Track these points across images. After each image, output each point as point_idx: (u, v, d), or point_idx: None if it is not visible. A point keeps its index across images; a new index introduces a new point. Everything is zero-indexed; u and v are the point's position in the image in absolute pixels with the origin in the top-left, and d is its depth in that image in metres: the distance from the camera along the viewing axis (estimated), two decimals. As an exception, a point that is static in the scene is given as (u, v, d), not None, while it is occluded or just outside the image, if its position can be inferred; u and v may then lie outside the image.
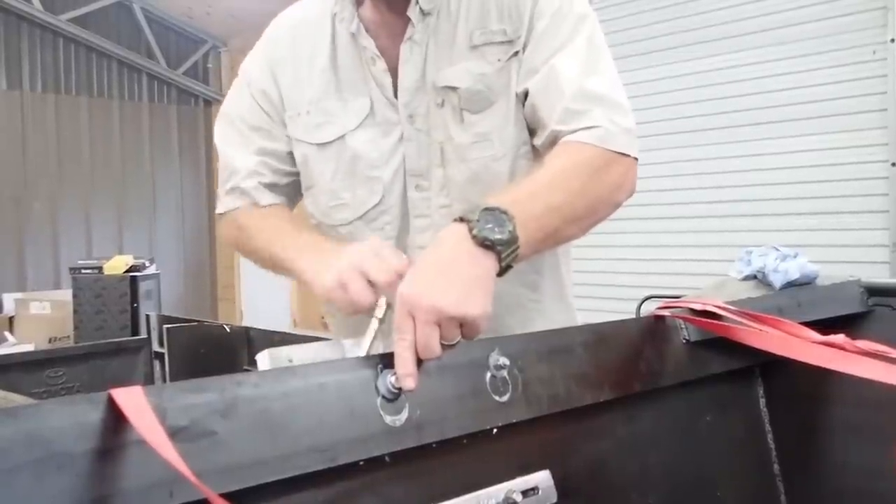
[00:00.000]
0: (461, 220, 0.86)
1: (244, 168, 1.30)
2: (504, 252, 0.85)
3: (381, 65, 1.21)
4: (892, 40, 3.74)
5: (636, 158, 1.12)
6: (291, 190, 1.34)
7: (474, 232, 0.84)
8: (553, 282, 1.33)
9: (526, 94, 1.18)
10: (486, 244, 0.84)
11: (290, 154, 1.31)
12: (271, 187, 1.31)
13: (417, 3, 1.18)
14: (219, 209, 1.34)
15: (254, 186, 1.29)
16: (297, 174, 1.32)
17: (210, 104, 8.66)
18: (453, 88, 1.19)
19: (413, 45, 1.19)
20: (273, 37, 1.33)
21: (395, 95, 1.22)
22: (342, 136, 1.24)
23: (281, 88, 1.29)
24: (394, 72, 1.21)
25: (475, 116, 1.19)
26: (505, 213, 0.87)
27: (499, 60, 1.18)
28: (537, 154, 1.22)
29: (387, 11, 1.20)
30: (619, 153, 1.10)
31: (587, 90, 1.13)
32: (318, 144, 1.26)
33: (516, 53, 1.18)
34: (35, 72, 7.54)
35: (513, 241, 0.86)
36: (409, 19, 1.18)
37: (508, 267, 0.87)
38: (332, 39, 1.26)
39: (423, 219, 1.23)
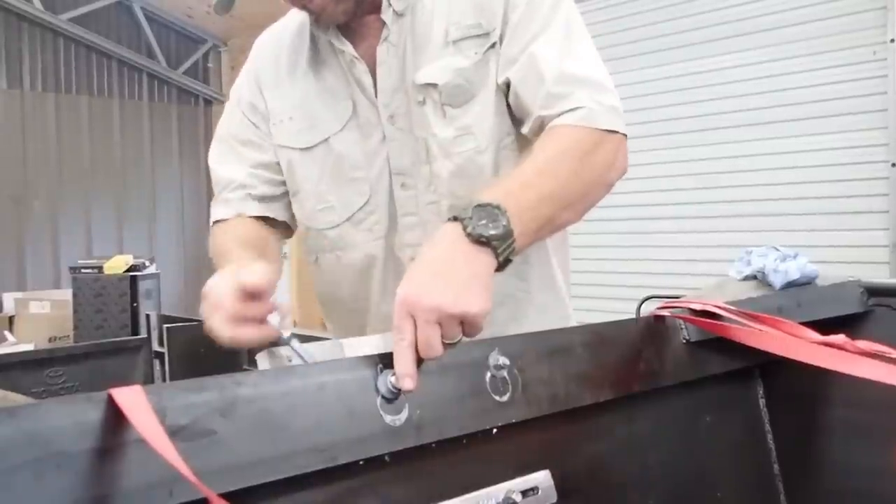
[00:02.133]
0: (455, 218, 0.85)
1: (233, 180, 1.31)
2: (500, 247, 0.85)
3: (362, 66, 1.21)
4: (893, 40, 3.73)
5: (625, 135, 1.11)
6: (287, 200, 1.34)
7: (468, 230, 0.83)
8: (542, 270, 1.31)
9: (508, 85, 1.18)
10: (481, 241, 0.84)
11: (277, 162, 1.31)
12: (262, 199, 1.31)
13: (390, 4, 1.18)
14: (211, 221, 1.34)
15: (240, 197, 1.29)
16: None
17: (210, 103, 8.66)
18: (433, 85, 1.19)
19: (389, 46, 1.20)
20: (257, 51, 1.35)
21: (376, 96, 1.22)
22: (326, 139, 1.25)
23: (266, 98, 1.30)
24: (374, 73, 1.22)
25: (457, 111, 1.19)
26: (497, 207, 0.87)
27: (476, 54, 1.18)
28: (525, 143, 1.22)
29: (361, 15, 1.20)
30: (606, 131, 1.09)
31: (567, 73, 1.12)
32: (302, 149, 1.26)
33: (493, 45, 1.18)
34: (35, 71, 7.53)
35: (508, 235, 0.86)
36: (383, 21, 1.19)
37: (507, 261, 0.86)
38: (311, 45, 1.27)
39: (410, 217, 1.24)
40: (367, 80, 1.22)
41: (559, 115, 1.10)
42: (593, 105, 1.09)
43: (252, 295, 0.87)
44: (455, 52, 1.19)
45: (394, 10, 1.18)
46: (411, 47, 1.20)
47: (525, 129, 1.19)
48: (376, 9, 1.19)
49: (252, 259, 1.06)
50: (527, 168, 1.03)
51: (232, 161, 1.32)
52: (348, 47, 1.21)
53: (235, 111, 1.34)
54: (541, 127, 1.13)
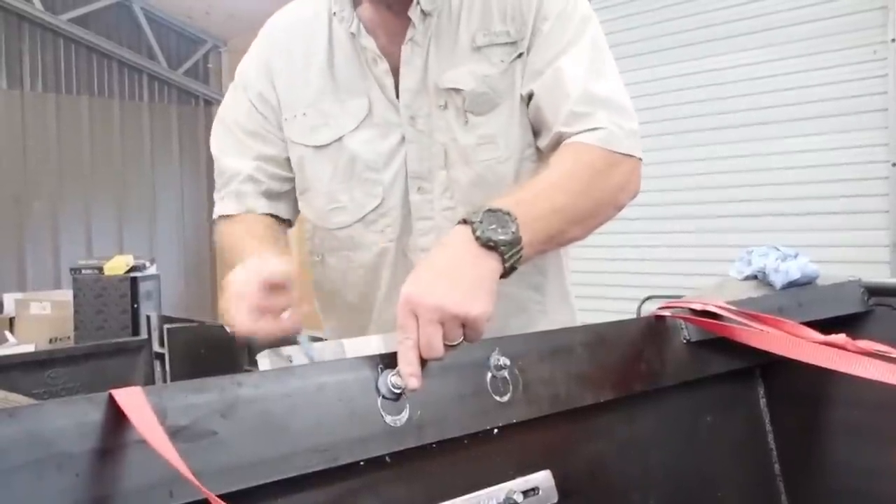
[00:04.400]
0: (464, 221, 0.86)
1: (240, 173, 1.28)
2: (507, 253, 0.85)
3: (384, 65, 1.20)
4: (893, 40, 3.73)
5: (640, 160, 1.13)
6: (291, 196, 1.32)
7: (477, 233, 0.84)
8: (557, 284, 1.33)
9: (530, 96, 1.18)
10: (489, 245, 0.84)
11: (288, 159, 1.29)
12: (268, 195, 1.29)
13: (418, 3, 1.16)
14: (214, 214, 1.33)
15: (249, 191, 1.28)
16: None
17: (210, 104, 8.66)
18: (457, 90, 1.18)
19: (414, 46, 1.18)
20: (268, 38, 1.31)
21: (397, 96, 1.20)
22: (340, 138, 1.23)
23: (278, 91, 1.27)
24: (395, 72, 1.20)
25: (480, 118, 1.19)
26: (508, 214, 0.87)
27: (502, 62, 1.18)
28: (541, 156, 1.22)
29: (386, 12, 1.18)
30: (623, 154, 1.10)
31: (592, 93, 1.13)
32: (315, 147, 1.25)
33: (520, 55, 1.18)
34: (35, 71, 7.54)
35: (516, 242, 0.86)
36: (409, 20, 1.17)
37: (513, 268, 0.87)
38: (328, 39, 1.24)
39: (425, 221, 1.22)
40: (389, 79, 1.20)
41: (579, 133, 1.11)
42: (614, 128, 1.10)
43: (275, 287, 0.89)
44: (481, 58, 1.18)
45: (422, 10, 1.17)
46: (435, 49, 1.18)
47: (541, 143, 1.19)
48: (403, 7, 1.17)
49: (269, 252, 1.07)
50: (541, 180, 1.03)
51: (237, 152, 1.30)
52: (371, 44, 1.19)
53: (242, 98, 1.30)
54: (557, 142, 1.14)
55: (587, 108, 1.12)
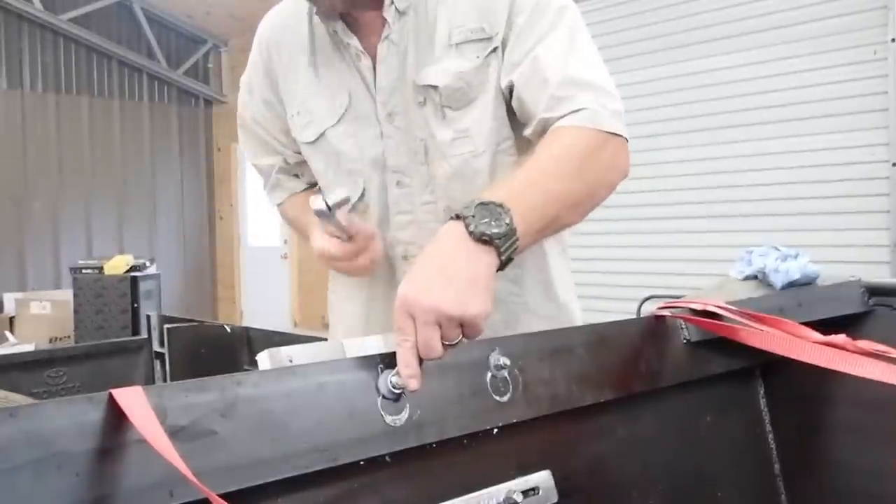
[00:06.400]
0: (457, 217, 0.85)
1: (273, 165, 1.39)
2: (503, 246, 0.84)
3: (367, 62, 1.21)
4: (893, 40, 3.74)
5: (626, 139, 1.12)
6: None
7: (471, 228, 0.83)
8: (537, 275, 1.30)
9: (511, 89, 1.18)
10: (483, 239, 0.83)
11: (297, 162, 1.37)
12: (301, 172, 1.39)
13: (393, 2, 1.18)
14: (272, 204, 1.46)
15: (284, 179, 1.40)
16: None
17: (210, 104, 8.67)
18: (434, 87, 1.19)
19: (390, 44, 1.20)
20: (262, 41, 1.35)
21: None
22: (323, 133, 1.26)
23: (280, 91, 1.31)
24: (376, 69, 1.22)
25: (456, 113, 1.20)
26: (500, 206, 0.86)
27: (477, 57, 1.18)
28: (524, 147, 1.22)
29: (358, 11, 1.19)
30: (609, 133, 1.09)
31: (571, 76, 1.12)
32: (307, 143, 1.29)
33: (495, 49, 1.18)
34: (35, 71, 7.55)
35: (511, 233, 0.85)
36: (385, 19, 1.19)
37: (509, 260, 0.86)
38: (310, 34, 1.27)
39: (404, 215, 1.25)
40: (371, 75, 1.22)
41: (562, 116, 1.10)
42: (597, 107, 1.09)
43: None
44: (457, 54, 1.18)
45: (396, 8, 1.18)
46: (413, 47, 1.20)
47: (528, 132, 1.19)
48: (378, 4, 1.18)
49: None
50: (530, 168, 1.03)
51: (264, 151, 1.40)
52: (354, 41, 1.21)
53: (251, 103, 1.38)
54: (544, 129, 1.13)
55: (568, 91, 1.11)
